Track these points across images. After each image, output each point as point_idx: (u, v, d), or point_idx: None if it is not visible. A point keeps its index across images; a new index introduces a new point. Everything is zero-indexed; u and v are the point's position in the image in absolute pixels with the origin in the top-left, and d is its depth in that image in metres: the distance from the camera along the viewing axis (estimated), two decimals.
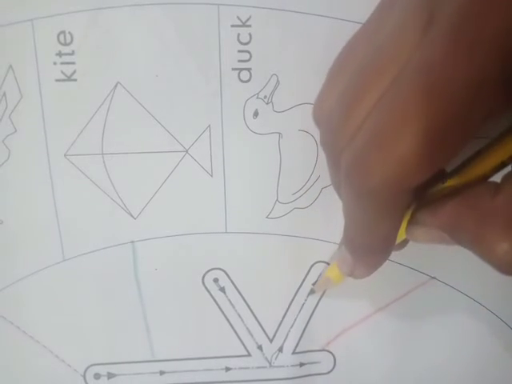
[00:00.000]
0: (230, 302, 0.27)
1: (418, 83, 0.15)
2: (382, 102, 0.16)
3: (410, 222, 0.19)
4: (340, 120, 0.17)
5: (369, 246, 0.20)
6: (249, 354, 0.28)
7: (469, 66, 0.14)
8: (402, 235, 0.20)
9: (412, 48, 0.15)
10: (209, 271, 0.27)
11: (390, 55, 0.16)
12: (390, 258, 0.27)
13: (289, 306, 0.27)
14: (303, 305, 0.27)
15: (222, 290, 0.27)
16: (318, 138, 0.25)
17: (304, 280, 0.27)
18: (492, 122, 0.15)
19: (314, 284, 0.27)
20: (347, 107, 0.17)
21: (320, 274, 0.27)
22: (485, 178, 0.17)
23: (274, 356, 0.28)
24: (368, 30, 0.18)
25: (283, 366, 0.28)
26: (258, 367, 0.28)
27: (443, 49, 0.14)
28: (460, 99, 0.14)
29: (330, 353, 0.28)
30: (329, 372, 0.28)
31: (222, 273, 0.27)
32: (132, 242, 0.26)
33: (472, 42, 0.14)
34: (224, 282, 0.27)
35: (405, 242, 0.22)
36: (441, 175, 0.18)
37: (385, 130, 0.15)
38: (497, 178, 0.17)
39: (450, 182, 0.18)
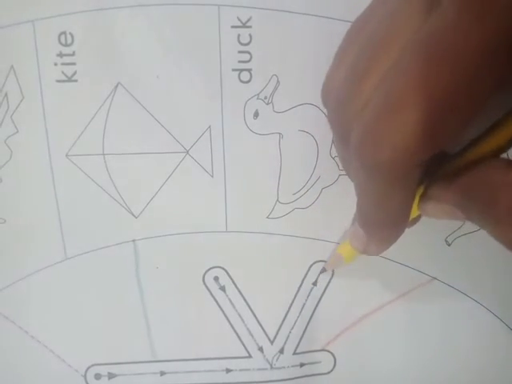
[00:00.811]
0: (231, 301, 0.27)
1: (426, 51, 0.14)
2: (389, 73, 0.16)
3: (422, 198, 0.19)
4: (349, 95, 0.17)
5: (382, 220, 0.19)
6: (249, 356, 0.28)
7: (477, 33, 0.14)
8: (414, 211, 0.20)
9: (420, 18, 0.15)
10: (209, 269, 0.27)
11: (397, 27, 0.16)
12: (390, 258, 0.27)
13: (289, 307, 0.27)
14: (304, 305, 0.27)
15: (223, 288, 0.27)
16: (318, 138, 0.25)
17: (304, 280, 0.27)
18: (502, 99, 0.15)
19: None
20: (355, 82, 0.17)
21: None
22: (498, 152, 0.17)
23: (275, 358, 0.28)
24: (374, 7, 0.18)
25: (284, 367, 0.28)
26: (259, 369, 0.28)
27: (453, 17, 0.14)
28: (468, 67, 0.14)
29: (330, 353, 0.28)
30: (329, 372, 0.28)
31: (223, 271, 0.27)
32: (133, 240, 0.26)
33: (481, 9, 0.14)
34: (224, 280, 0.27)
35: (417, 219, 0.22)
36: (452, 150, 0.18)
37: (392, 101, 0.15)
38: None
39: (463, 158, 0.18)
